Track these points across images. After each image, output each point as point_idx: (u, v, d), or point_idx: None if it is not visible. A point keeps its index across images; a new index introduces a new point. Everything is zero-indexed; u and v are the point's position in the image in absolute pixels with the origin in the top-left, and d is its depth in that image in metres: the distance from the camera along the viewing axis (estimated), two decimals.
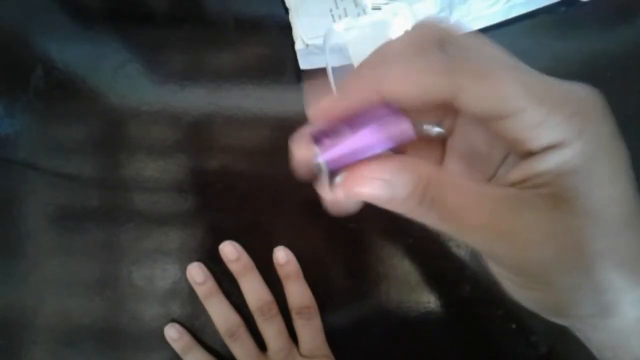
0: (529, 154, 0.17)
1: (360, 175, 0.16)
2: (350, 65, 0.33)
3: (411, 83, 0.16)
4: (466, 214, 0.16)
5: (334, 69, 0.32)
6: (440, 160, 0.20)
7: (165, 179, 0.37)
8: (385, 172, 0.16)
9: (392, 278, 0.37)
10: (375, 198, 0.16)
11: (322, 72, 0.33)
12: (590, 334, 0.19)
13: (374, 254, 0.37)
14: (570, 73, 0.41)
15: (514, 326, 0.37)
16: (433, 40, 0.17)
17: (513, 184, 0.17)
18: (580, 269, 0.17)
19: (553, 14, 0.39)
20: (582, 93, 0.18)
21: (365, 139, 0.16)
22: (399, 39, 0.18)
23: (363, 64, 0.18)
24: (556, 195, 0.17)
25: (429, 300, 0.37)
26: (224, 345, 0.36)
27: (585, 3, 0.39)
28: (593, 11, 0.40)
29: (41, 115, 0.37)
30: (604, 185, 0.17)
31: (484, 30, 0.39)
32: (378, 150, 0.16)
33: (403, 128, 0.16)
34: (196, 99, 0.38)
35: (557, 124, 0.17)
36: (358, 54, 0.33)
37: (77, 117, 0.37)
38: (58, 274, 0.36)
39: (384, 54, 0.18)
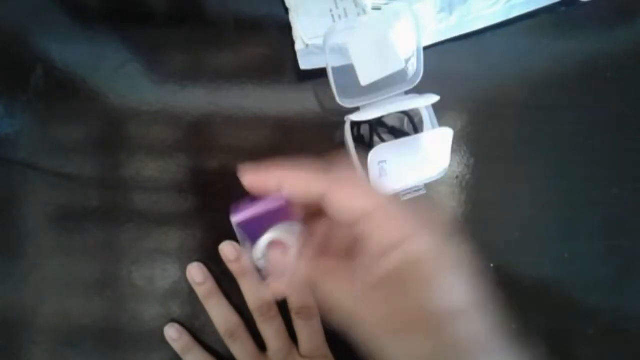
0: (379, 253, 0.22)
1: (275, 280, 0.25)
2: (350, 65, 0.33)
3: (295, 185, 0.24)
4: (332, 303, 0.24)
5: (334, 69, 0.32)
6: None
7: (165, 179, 0.37)
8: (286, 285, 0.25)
9: None
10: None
11: (322, 72, 0.33)
12: None
13: None
14: (570, 73, 0.41)
15: (514, 326, 0.37)
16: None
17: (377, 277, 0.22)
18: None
19: (553, 14, 0.39)
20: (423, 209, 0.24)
21: (260, 210, 0.24)
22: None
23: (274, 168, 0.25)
24: (395, 284, 0.22)
25: None
26: (224, 345, 0.36)
27: (585, 3, 0.39)
28: (593, 11, 0.40)
29: (41, 115, 0.37)
30: (433, 277, 0.22)
31: (484, 30, 0.39)
32: (272, 220, 0.24)
33: (285, 209, 0.24)
34: (196, 99, 0.38)
35: (396, 227, 0.22)
36: (358, 54, 0.33)
37: (77, 117, 0.37)
38: (58, 274, 0.36)
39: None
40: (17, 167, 0.37)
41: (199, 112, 0.38)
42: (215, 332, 0.36)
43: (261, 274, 0.25)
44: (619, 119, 0.40)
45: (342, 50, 0.33)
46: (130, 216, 0.37)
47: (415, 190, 0.35)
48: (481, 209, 0.38)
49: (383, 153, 0.31)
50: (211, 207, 0.37)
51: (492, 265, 0.38)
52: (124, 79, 0.38)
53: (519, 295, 0.38)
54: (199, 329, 0.36)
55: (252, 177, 0.24)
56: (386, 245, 0.22)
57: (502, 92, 0.39)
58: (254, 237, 0.24)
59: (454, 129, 0.32)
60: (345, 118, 0.34)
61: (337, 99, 0.33)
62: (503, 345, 0.23)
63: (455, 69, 0.39)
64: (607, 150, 0.40)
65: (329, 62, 0.32)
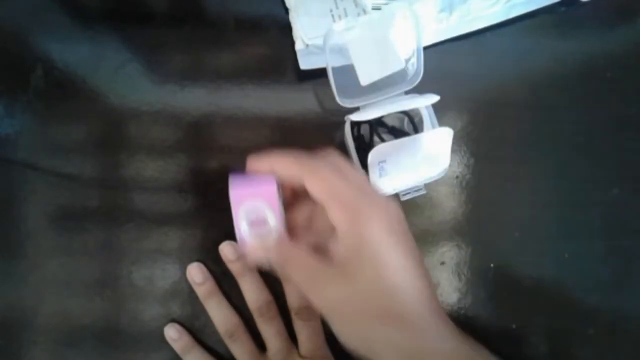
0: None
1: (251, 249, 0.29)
2: (350, 65, 0.33)
3: (280, 169, 0.28)
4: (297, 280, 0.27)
5: (334, 69, 0.32)
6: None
7: (165, 179, 0.37)
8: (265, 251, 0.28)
9: None
10: (257, 262, 0.29)
11: (322, 72, 0.33)
12: None
13: None
14: (570, 73, 0.41)
15: (514, 326, 0.37)
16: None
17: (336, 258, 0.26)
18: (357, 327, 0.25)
19: (553, 14, 0.39)
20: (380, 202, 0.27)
21: (252, 186, 0.28)
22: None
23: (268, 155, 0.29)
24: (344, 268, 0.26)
25: None
26: (224, 346, 0.36)
27: (585, 3, 0.39)
28: (593, 11, 0.40)
29: (41, 115, 0.37)
30: (374, 263, 0.25)
31: (484, 30, 0.39)
32: (261, 197, 0.28)
33: (271, 184, 0.28)
34: (196, 99, 0.38)
35: (338, 216, 0.26)
36: (358, 54, 0.33)
37: (77, 117, 0.37)
38: (58, 274, 0.36)
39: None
40: (17, 167, 0.37)
41: (199, 112, 0.38)
42: (215, 332, 0.36)
43: (242, 243, 0.29)
44: (619, 119, 0.40)
45: (342, 50, 0.33)
46: (130, 216, 0.37)
47: (415, 190, 0.35)
48: (481, 209, 0.38)
49: (383, 153, 0.31)
50: (211, 207, 0.37)
51: (492, 265, 0.38)
52: (124, 79, 0.38)
53: (519, 295, 0.38)
54: (199, 329, 0.36)
55: (252, 162, 0.29)
56: (340, 231, 0.26)
57: (502, 92, 0.39)
58: (241, 205, 0.28)
59: (454, 129, 0.32)
60: (345, 118, 0.34)
61: (337, 99, 0.33)
62: (442, 318, 0.26)
63: (455, 69, 0.39)
64: (607, 150, 0.40)
65: (329, 62, 0.32)
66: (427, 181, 0.34)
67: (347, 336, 0.26)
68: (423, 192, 0.35)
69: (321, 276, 0.26)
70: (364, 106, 0.34)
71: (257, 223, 0.28)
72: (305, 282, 0.27)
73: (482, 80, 0.39)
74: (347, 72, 0.33)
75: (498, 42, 0.39)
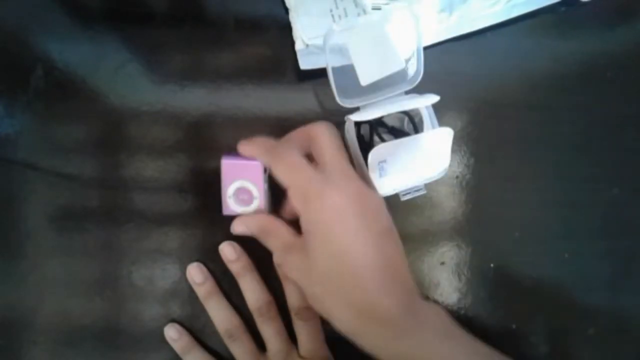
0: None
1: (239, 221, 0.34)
2: (350, 65, 0.33)
3: (257, 156, 0.33)
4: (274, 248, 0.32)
5: (334, 69, 0.32)
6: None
7: (165, 179, 0.37)
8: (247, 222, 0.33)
9: None
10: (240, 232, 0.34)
11: (322, 72, 0.33)
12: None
13: None
14: (570, 73, 0.41)
15: (514, 326, 0.37)
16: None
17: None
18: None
19: (553, 14, 0.39)
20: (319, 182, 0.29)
21: (242, 162, 0.34)
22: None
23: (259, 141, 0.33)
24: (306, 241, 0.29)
25: (428, 301, 0.37)
26: (224, 346, 0.36)
27: (585, 3, 0.39)
28: (593, 11, 0.40)
29: (41, 115, 0.37)
30: (323, 239, 0.28)
31: (484, 30, 0.39)
32: (248, 173, 0.33)
33: (258, 168, 0.33)
34: (196, 99, 0.38)
35: (294, 198, 0.29)
36: (358, 54, 0.33)
37: (77, 117, 0.37)
38: (58, 274, 0.36)
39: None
40: (17, 167, 0.37)
41: (199, 112, 0.38)
42: (215, 332, 0.36)
43: (227, 208, 0.34)
44: (619, 119, 0.40)
45: (342, 50, 0.33)
46: (130, 216, 0.37)
47: (416, 190, 0.35)
48: (481, 209, 0.38)
49: (383, 153, 0.31)
50: (211, 207, 0.36)
51: (492, 265, 0.38)
52: (124, 79, 0.38)
53: (519, 295, 0.38)
54: (199, 329, 0.36)
55: (240, 146, 0.33)
56: (298, 211, 0.29)
57: (502, 92, 0.39)
58: (231, 180, 0.33)
59: (454, 129, 0.32)
60: (346, 118, 0.34)
61: (337, 99, 0.33)
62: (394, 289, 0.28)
63: (455, 69, 0.39)
64: (607, 150, 0.40)
65: (329, 62, 0.32)
66: (427, 181, 0.34)
67: (314, 300, 0.30)
68: (423, 192, 0.35)
69: (292, 245, 0.31)
70: (364, 106, 0.34)
71: (243, 199, 0.33)
72: (278, 248, 0.32)
73: (482, 80, 0.39)
74: (347, 72, 0.33)
75: (498, 42, 0.39)
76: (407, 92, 0.34)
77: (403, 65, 0.33)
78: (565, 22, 0.40)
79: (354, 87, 0.33)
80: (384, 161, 0.32)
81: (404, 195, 0.35)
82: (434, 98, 0.33)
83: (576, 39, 0.40)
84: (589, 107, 0.40)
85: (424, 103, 0.34)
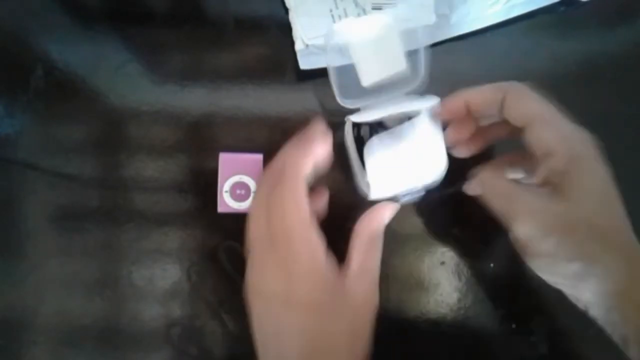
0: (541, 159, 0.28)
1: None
2: (351, 66, 0.33)
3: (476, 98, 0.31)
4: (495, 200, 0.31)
5: (334, 69, 0.32)
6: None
7: (165, 179, 0.37)
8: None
9: (392, 278, 0.37)
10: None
11: (322, 72, 0.33)
12: (576, 294, 0.27)
13: None
14: (570, 73, 0.41)
15: (514, 326, 0.37)
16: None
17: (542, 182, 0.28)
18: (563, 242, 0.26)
19: (553, 14, 0.39)
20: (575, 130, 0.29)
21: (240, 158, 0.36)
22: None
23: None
24: (555, 187, 0.27)
25: (428, 301, 0.37)
26: (224, 346, 0.36)
27: (585, 3, 0.39)
28: (593, 11, 0.40)
29: (41, 115, 0.37)
30: (587, 181, 0.27)
31: (484, 30, 0.39)
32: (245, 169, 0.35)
33: (257, 164, 0.35)
34: (196, 99, 0.38)
35: (550, 139, 0.28)
36: (359, 55, 0.33)
37: (77, 117, 0.37)
38: (58, 274, 0.36)
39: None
40: (17, 167, 0.37)
41: (199, 112, 0.38)
42: (215, 332, 0.36)
43: (222, 204, 0.34)
44: (619, 119, 0.40)
45: (342, 50, 0.33)
46: (130, 216, 0.37)
47: (416, 192, 0.34)
48: (481, 208, 0.38)
49: (377, 144, 0.31)
50: (211, 207, 0.36)
51: (492, 265, 0.38)
52: (124, 79, 0.38)
53: (519, 295, 0.38)
54: (199, 329, 0.36)
55: (446, 103, 0.32)
56: (552, 148, 0.27)
57: None
58: (229, 175, 0.34)
59: None
60: (346, 118, 0.34)
61: (338, 99, 0.33)
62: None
63: (455, 69, 0.39)
64: (607, 150, 0.40)
65: (329, 62, 0.32)
66: (427, 183, 0.34)
67: (555, 248, 0.27)
68: (422, 193, 0.35)
69: (526, 196, 0.28)
70: (365, 107, 0.34)
71: (240, 194, 0.34)
72: (506, 204, 0.30)
73: (482, 80, 0.39)
74: (348, 72, 0.33)
75: (498, 42, 0.39)
76: (407, 93, 0.34)
77: (404, 66, 0.33)
78: (564, 22, 0.40)
79: (355, 88, 0.33)
80: (383, 166, 0.32)
81: (403, 197, 0.35)
82: (434, 100, 0.33)
83: (576, 39, 0.40)
84: (588, 107, 0.40)
85: (424, 105, 0.34)
